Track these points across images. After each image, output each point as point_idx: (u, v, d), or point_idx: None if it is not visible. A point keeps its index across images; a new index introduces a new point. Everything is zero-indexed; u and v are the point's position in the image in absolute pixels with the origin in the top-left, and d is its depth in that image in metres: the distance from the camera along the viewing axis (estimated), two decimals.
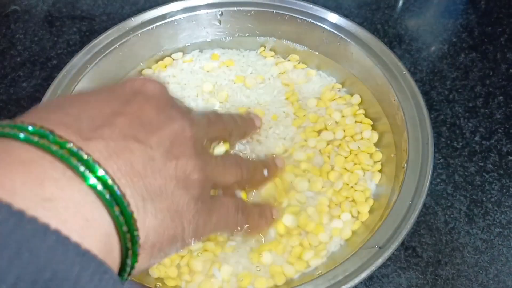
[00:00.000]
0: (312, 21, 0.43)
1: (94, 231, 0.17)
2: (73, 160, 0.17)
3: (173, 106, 0.24)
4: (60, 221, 0.16)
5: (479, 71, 0.48)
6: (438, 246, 0.37)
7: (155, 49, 0.45)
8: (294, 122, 0.40)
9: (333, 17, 0.43)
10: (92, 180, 0.18)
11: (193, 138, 0.24)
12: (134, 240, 0.19)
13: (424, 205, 0.37)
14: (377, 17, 0.54)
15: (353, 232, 0.34)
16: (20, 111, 0.22)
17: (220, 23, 0.46)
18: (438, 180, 0.40)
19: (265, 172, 0.32)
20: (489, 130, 0.44)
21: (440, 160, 0.42)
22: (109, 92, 0.23)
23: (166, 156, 0.21)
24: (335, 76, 0.44)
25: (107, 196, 0.18)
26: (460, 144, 0.43)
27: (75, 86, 0.40)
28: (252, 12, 0.45)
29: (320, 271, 0.32)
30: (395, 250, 0.30)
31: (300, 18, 0.44)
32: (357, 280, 0.29)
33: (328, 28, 0.43)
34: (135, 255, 0.20)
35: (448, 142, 0.43)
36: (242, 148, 0.37)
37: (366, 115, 0.41)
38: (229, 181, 0.28)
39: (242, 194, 0.32)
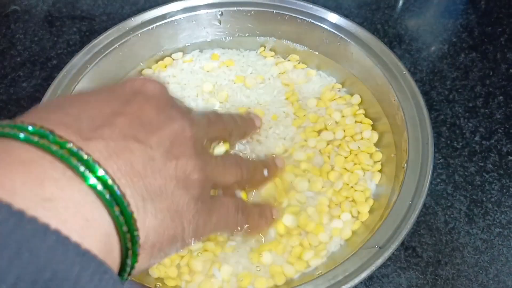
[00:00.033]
0: (312, 21, 0.43)
1: (94, 231, 0.17)
2: (73, 160, 0.17)
3: (173, 106, 0.24)
4: (60, 221, 0.16)
5: (479, 71, 0.48)
6: (438, 246, 0.37)
7: (155, 49, 0.45)
8: (294, 122, 0.40)
9: (333, 17, 0.43)
10: (92, 180, 0.18)
11: (193, 138, 0.24)
12: (134, 240, 0.19)
13: (424, 205, 0.37)
14: (377, 17, 0.54)
15: (353, 232, 0.34)
16: (20, 111, 0.22)
17: (220, 23, 0.46)
18: (438, 180, 0.40)
19: (265, 172, 0.32)
20: (489, 130, 0.44)
21: (440, 160, 0.42)
22: (109, 92, 0.23)
23: (166, 156, 0.21)
24: (335, 76, 0.44)
25: (107, 196, 0.18)
26: (460, 144, 0.43)
27: (75, 86, 0.40)
28: (252, 12, 0.45)
29: (320, 271, 0.32)
30: (395, 250, 0.30)
31: (300, 18, 0.44)
32: (357, 280, 0.29)
33: (328, 28, 0.43)
34: (135, 255, 0.20)
35: (448, 142, 0.43)
36: (242, 148, 0.37)
37: (366, 115, 0.41)
38: (229, 181, 0.28)
39: (242, 194, 0.32)
